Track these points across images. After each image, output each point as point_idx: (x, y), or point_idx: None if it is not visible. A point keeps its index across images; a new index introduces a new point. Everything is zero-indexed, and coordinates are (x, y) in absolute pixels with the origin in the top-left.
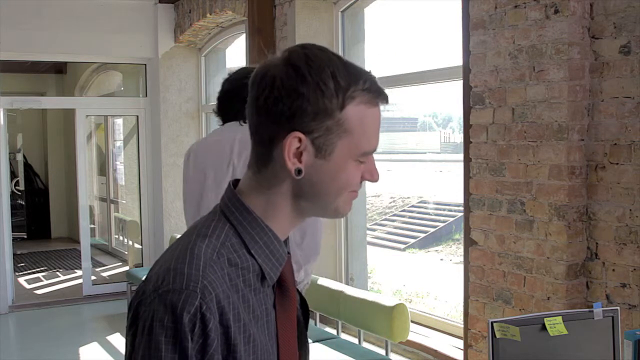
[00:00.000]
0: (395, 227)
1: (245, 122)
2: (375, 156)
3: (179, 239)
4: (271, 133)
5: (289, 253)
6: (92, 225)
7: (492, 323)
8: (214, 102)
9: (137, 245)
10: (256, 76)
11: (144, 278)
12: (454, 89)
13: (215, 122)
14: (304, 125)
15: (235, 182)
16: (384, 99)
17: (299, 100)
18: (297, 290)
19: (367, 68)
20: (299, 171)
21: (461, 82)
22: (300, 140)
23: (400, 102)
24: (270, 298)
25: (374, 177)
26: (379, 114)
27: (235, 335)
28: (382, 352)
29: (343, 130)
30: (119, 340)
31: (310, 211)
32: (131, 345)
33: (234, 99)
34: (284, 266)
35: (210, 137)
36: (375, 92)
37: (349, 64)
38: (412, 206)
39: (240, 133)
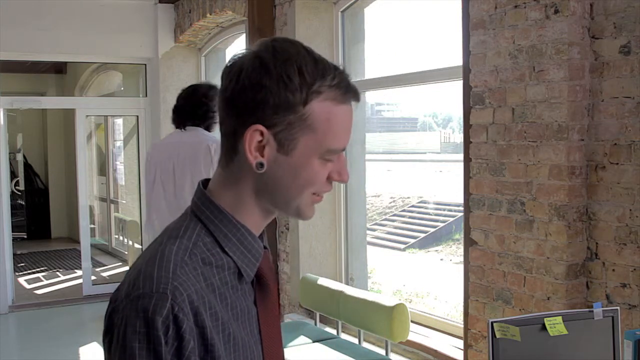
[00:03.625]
0: (395, 227)
1: (185, 129)
2: (376, 156)
3: (152, 242)
4: (235, 125)
5: (265, 248)
6: (92, 225)
7: (492, 323)
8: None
9: (137, 245)
10: (226, 67)
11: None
12: (454, 89)
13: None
14: (266, 119)
15: (206, 182)
16: (354, 96)
17: (262, 93)
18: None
19: (366, 66)
20: (260, 165)
21: (461, 82)
22: (262, 133)
23: (400, 102)
24: (251, 295)
25: (342, 177)
26: (349, 112)
27: (212, 335)
28: (382, 352)
29: (307, 126)
30: None
31: (273, 208)
32: (108, 354)
33: (183, 112)
34: (261, 261)
35: (163, 140)
36: (344, 88)
37: (319, 59)
38: (412, 206)
39: (186, 137)
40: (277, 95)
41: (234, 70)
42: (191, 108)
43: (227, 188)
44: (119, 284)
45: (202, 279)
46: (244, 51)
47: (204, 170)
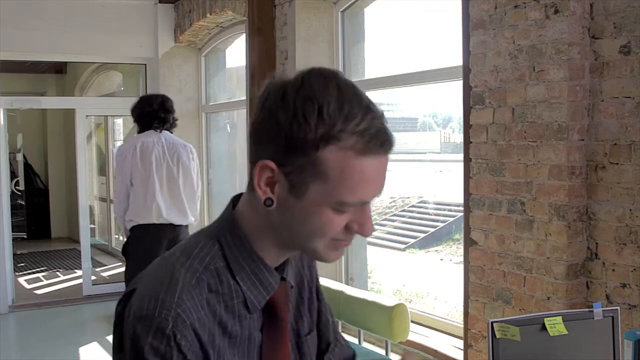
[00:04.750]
0: (395, 227)
1: (159, 129)
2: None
3: (166, 253)
4: (253, 155)
5: (283, 279)
6: (92, 225)
7: (492, 323)
8: (214, 102)
9: None
10: (264, 89)
11: (128, 291)
12: (454, 89)
13: (213, 122)
14: (278, 156)
15: (237, 198)
16: (382, 146)
17: (276, 127)
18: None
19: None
20: (270, 201)
21: (461, 82)
22: (273, 170)
23: (400, 102)
24: (259, 322)
25: (364, 230)
26: (373, 164)
27: None
28: (382, 352)
29: (318, 173)
30: None
31: (292, 245)
32: (117, 353)
33: (156, 117)
34: (275, 292)
35: (135, 139)
36: (370, 137)
37: (350, 98)
38: (412, 206)
39: (167, 137)
40: (290, 134)
41: (263, 95)
42: (165, 114)
43: (251, 214)
44: (119, 283)
45: (206, 305)
46: (280, 76)
47: (191, 166)
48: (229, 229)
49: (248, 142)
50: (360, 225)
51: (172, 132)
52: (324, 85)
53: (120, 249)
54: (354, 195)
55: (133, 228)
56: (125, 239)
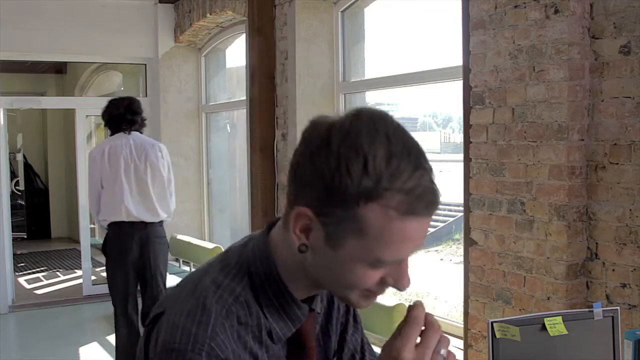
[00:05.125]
0: None
1: (128, 131)
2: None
3: (196, 274)
4: (290, 194)
5: (312, 310)
6: (92, 225)
7: (492, 323)
8: (214, 102)
9: None
10: (306, 127)
11: (156, 314)
12: (454, 89)
13: (213, 122)
14: (316, 204)
15: (272, 223)
16: (427, 208)
17: (317, 174)
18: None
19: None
20: (304, 247)
21: (461, 82)
22: (310, 218)
23: (400, 102)
24: (284, 350)
25: (399, 285)
26: (416, 225)
27: None
28: None
29: (357, 228)
30: None
31: (323, 288)
32: None
33: (124, 119)
34: (303, 323)
35: (105, 143)
36: (416, 197)
37: (400, 152)
38: None
39: (136, 138)
40: (330, 184)
41: (307, 132)
42: (132, 116)
43: (284, 249)
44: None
45: (237, 336)
46: (330, 115)
47: (160, 165)
48: (260, 259)
49: (287, 178)
50: (395, 280)
51: (141, 132)
52: (372, 134)
53: None
54: (392, 253)
55: (109, 226)
56: (103, 238)
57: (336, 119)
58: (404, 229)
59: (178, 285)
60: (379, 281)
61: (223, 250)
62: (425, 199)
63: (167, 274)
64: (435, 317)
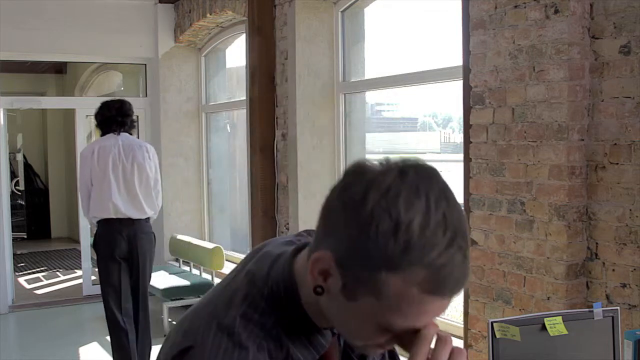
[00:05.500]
0: None
1: (117, 132)
2: (376, 156)
3: (215, 299)
4: (319, 232)
5: (334, 334)
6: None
7: (492, 323)
8: (214, 102)
9: None
10: (349, 169)
11: (181, 349)
12: (454, 89)
13: (213, 122)
14: (339, 253)
15: (299, 249)
16: (452, 292)
17: (345, 227)
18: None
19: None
20: (320, 289)
21: (461, 82)
22: (330, 264)
23: (400, 102)
24: None
25: (407, 350)
26: (437, 303)
27: None
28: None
29: (375, 291)
30: None
31: (336, 328)
32: None
33: (114, 121)
34: (325, 349)
35: (95, 143)
36: (443, 278)
37: (437, 223)
38: None
39: (124, 139)
40: (356, 242)
41: (349, 175)
42: (122, 118)
43: (307, 283)
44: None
45: None
46: (372, 163)
47: (146, 165)
48: (286, 293)
49: (319, 214)
50: (404, 345)
51: (131, 134)
52: (412, 198)
53: None
54: (405, 323)
55: (98, 223)
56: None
57: (380, 171)
58: (423, 305)
59: (196, 314)
60: (389, 339)
61: (239, 267)
62: (452, 280)
63: (168, 273)
64: (444, 332)
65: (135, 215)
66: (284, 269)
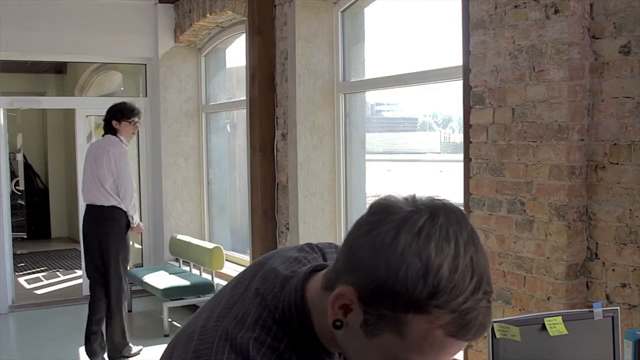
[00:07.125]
0: None
1: (104, 134)
2: (376, 156)
3: (223, 317)
4: (340, 267)
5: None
6: None
7: (492, 323)
8: (214, 102)
9: (137, 245)
10: (377, 205)
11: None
12: (454, 89)
13: (213, 122)
14: (364, 293)
15: (311, 272)
16: (474, 336)
17: (373, 266)
18: None
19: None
20: (339, 323)
21: (461, 82)
22: (352, 300)
23: (400, 102)
24: None
25: None
26: (457, 346)
27: None
28: None
29: (397, 330)
30: None
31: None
32: None
33: (108, 123)
34: None
35: (94, 142)
36: (467, 323)
37: (465, 268)
38: None
39: (97, 142)
40: (384, 283)
41: (377, 213)
42: (106, 123)
43: (322, 307)
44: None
45: None
46: (399, 200)
47: (105, 167)
48: (298, 318)
49: (341, 249)
50: None
51: (115, 135)
52: (442, 243)
53: None
54: (423, 358)
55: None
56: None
57: (410, 211)
58: (445, 347)
59: (205, 330)
60: None
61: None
62: (475, 325)
63: (168, 273)
64: None
65: (98, 202)
66: (296, 294)
